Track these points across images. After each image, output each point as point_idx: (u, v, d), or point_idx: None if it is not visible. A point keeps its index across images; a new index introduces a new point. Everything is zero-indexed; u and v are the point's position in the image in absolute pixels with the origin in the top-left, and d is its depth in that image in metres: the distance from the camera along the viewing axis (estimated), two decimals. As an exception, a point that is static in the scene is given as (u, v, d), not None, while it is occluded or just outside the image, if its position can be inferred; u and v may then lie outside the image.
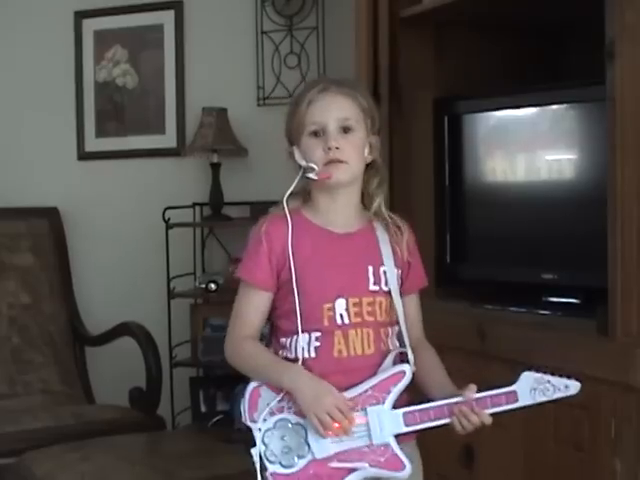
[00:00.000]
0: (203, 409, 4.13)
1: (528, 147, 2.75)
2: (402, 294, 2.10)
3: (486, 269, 2.88)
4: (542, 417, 2.35)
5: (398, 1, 3.00)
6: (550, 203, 2.67)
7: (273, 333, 2.10)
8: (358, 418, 1.97)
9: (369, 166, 2.10)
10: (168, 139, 4.29)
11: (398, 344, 2.07)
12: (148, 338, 3.73)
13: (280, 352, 2.05)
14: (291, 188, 2.04)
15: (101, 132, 4.42)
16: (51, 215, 4.26)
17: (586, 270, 2.51)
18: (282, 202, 2.03)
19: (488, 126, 2.90)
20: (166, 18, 4.26)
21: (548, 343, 2.35)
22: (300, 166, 2.04)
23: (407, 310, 2.12)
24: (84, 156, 4.43)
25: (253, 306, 2.06)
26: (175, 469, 2.94)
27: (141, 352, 3.70)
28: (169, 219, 4.03)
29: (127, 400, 3.72)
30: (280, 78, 4.04)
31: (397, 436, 2.00)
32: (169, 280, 4.05)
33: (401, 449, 1.99)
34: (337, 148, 2.00)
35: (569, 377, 1.96)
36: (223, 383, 4.02)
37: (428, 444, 2.76)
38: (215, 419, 4.01)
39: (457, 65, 3.05)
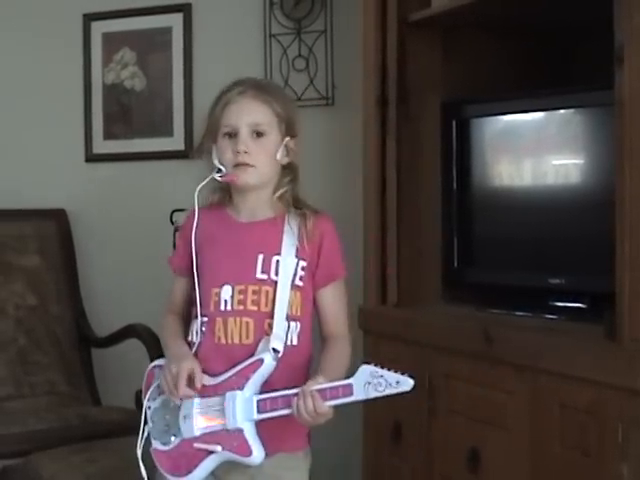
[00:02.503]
0: (209, 412, 4.12)
1: (536, 151, 2.75)
2: (315, 287, 2.17)
3: (493, 273, 2.88)
4: (548, 421, 2.35)
5: (406, 5, 3.01)
6: (557, 207, 2.67)
7: None
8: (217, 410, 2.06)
9: (286, 167, 2.20)
10: (176, 141, 4.28)
11: (295, 338, 2.13)
12: (155, 340, 3.72)
13: (188, 336, 2.19)
14: (202, 184, 2.17)
15: (109, 134, 4.41)
16: (58, 217, 4.26)
17: (593, 274, 2.51)
18: (194, 195, 2.19)
19: (496, 130, 2.90)
20: (175, 21, 4.26)
21: (555, 347, 2.35)
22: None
23: (321, 303, 2.19)
24: (92, 158, 4.43)
25: (175, 288, 2.32)
26: (181, 471, 2.94)
27: (147, 354, 3.70)
28: (176, 221, 4.02)
29: (133, 402, 3.72)
30: (288, 81, 4.03)
31: (259, 423, 2.05)
32: (176, 282, 4.05)
33: (256, 436, 2.04)
34: (246, 152, 2.11)
35: (403, 373, 1.94)
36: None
37: (434, 447, 2.77)
38: (221, 422, 4.00)
39: (465, 69, 3.05)
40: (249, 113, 2.13)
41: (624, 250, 2.19)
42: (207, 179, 2.17)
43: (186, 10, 4.24)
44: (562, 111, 2.68)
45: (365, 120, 3.15)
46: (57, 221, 4.24)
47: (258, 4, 4.11)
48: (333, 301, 2.20)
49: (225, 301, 2.11)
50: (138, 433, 3.38)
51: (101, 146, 4.42)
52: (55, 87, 4.43)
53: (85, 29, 4.39)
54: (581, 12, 2.62)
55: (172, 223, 4.02)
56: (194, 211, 2.20)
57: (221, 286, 2.12)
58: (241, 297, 2.10)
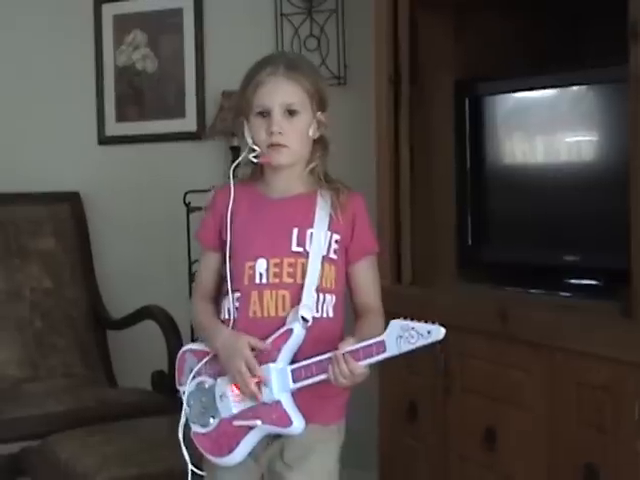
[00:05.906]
0: (224, 392, 4.14)
1: (549, 129, 2.74)
2: (349, 262, 2.19)
3: (507, 251, 2.88)
4: (565, 399, 2.35)
5: (418, -17, 3.00)
6: (571, 185, 2.67)
7: None
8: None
9: (317, 140, 2.22)
10: (188, 123, 4.29)
11: (331, 310, 2.14)
12: (170, 321, 3.74)
13: (220, 315, 2.19)
14: (236, 162, 2.21)
15: (121, 116, 4.42)
16: (72, 200, 4.27)
17: (608, 252, 2.51)
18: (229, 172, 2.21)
19: (509, 108, 2.89)
20: (185, 2, 4.25)
21: (570, 325, 2.35)
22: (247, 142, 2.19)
23: (355, 277, 2.21)
24: (104, 140, 4.44)
25: (204, 265, 2.29)
26: (197, 452, 2.96)
27: (163, 335, 3.71)
28: (190, 203, 4.03)
29: (149, 383, 3.73)
30: (300, 61, 4.03)
31: (296, 395, 2.07)
32: (190, 263, 4.06)
33: (295, 406, 2.06)
34: (280, 133, 2.12)
35: (434, 322, 1.93)
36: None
37: (450, 426, 2.78)
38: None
39: (477, 47, 3.04)
40: (281, 93, 2.13)
41: (638, 227, 2.18)
42: (240, 158, 2.19)
43: (197, -9, 4.23)
44: (575, 88, 2.67)
45: (377, 99, 3.14)
46: (71, 204, 4.25)
47: (269, -16, 4.10)
48: (366, 275, 2.21)
49: (260, 274, 2.12)
50: (156, 414, 3.43)
51: (114, 128, 4.43)
52: (67, 70, 4.43)
53: (96, 11, 4.39)
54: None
55: (185, 204, 4.02)
56: (227, 186, 2.21)
57: (255, 259, 2.12)
58: (277, 270, 2.11)
